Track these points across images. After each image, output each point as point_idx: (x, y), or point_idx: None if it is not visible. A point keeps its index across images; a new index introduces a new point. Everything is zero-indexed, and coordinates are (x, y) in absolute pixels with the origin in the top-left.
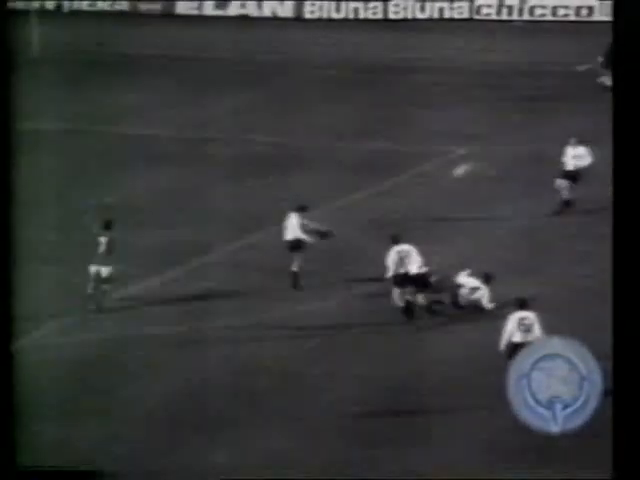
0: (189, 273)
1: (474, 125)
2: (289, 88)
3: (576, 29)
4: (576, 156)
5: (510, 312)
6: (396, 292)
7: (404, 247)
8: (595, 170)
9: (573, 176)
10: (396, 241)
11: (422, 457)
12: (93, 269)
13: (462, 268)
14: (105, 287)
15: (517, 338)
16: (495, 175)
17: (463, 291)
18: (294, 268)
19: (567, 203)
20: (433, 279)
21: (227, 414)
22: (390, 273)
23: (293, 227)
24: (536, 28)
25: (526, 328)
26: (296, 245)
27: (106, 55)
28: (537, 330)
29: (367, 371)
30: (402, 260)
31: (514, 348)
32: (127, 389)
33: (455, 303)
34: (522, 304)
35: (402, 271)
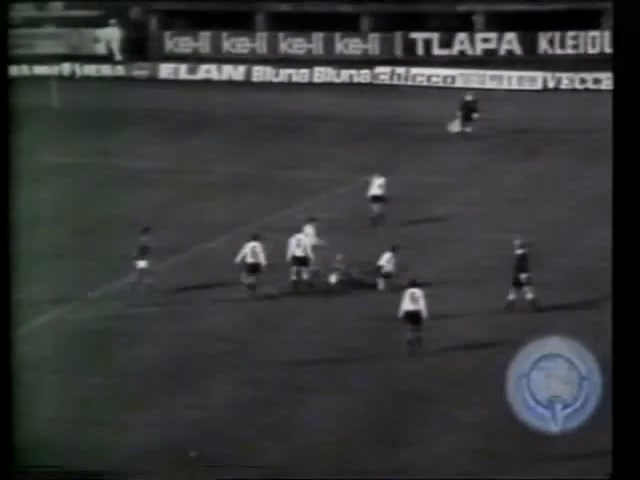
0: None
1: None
2: (238, 132)
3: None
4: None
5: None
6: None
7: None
8: None
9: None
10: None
11: None
12: (138, 264)
13: None
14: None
15: (409, 307)
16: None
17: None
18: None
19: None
20: None
21: None
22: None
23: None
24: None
25: (415, 300)
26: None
27: (105, 109)
28: (422, 302)
29: None
30: (298, 244)
31: (407, 314)
32: None
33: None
34: (413, 283)
35: (298, 254)
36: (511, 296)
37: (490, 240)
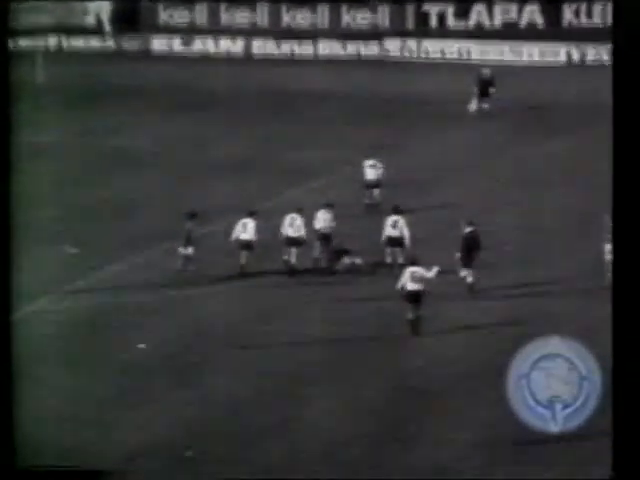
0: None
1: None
2: (237, 111)
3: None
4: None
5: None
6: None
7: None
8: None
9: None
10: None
11: None
12: (181, 250)
13: None
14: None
15: (410, 287)
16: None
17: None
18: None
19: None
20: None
21: None
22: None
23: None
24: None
25: (417, 279)
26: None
27: (94, 85)
28: (424, 281)
29: None
30: (291, 224)
31: (409, 294)
32: None
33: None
34: (413, 261)
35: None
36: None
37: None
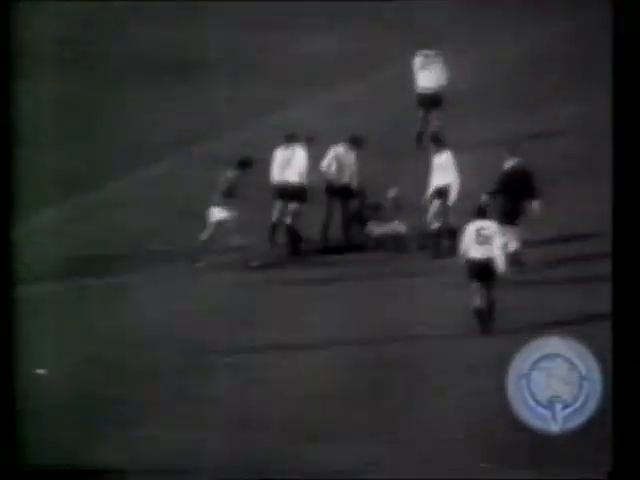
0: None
1: None
2: None
3: None
4: None
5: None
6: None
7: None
8: None
9: None
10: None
11: None
12: (215, 213)
13: None
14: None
15: (475, 253)
16: None
17: None
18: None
19: None
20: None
21: None
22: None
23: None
24: None
25: (483, 240)
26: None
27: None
28: (498, 243)
29: None
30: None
31: (474, 266)
32: None
33: None
34: (481, 211)
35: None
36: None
37: None
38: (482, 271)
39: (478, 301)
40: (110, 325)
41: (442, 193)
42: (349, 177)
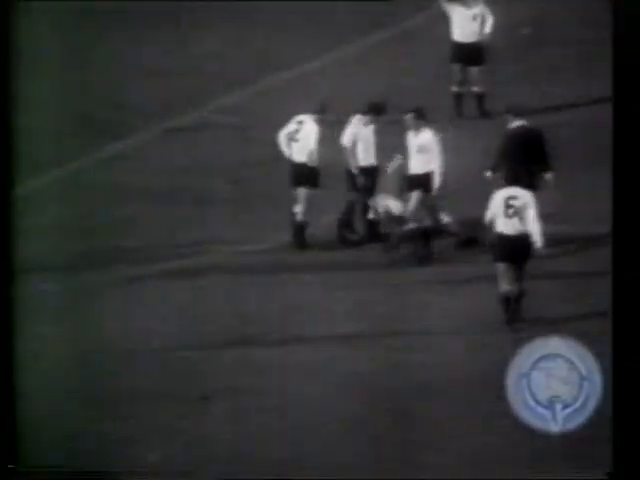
0: None
1: None
2: None
3: None
4: None
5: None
6: None
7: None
8: None
9: None
10: None
11: None
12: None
13: None
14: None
15: (504, 228)
16: None
17: None
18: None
19: None
20: None
21: None
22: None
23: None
24: None
25: (515, 212)
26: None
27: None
28: (531, 216)
29: None
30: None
31: (504, 243)
32: None
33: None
34: (514, 178)
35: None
36: None
37: None
38: (514, 249)
39: (506, 286)
40: None
41: (422, 182)
42: (375, 157)
